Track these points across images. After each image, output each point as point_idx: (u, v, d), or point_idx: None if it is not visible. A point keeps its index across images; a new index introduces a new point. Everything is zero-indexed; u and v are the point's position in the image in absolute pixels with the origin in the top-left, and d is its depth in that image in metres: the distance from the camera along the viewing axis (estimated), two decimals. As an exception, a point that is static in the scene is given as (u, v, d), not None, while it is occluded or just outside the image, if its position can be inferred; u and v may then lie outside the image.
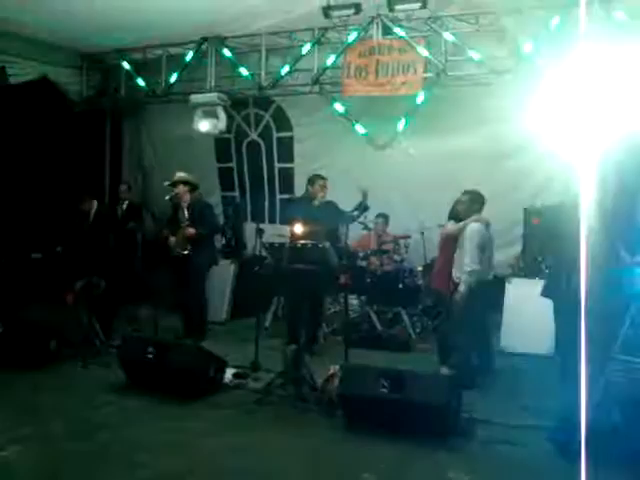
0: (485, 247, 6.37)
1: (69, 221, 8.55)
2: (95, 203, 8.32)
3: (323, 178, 7.71)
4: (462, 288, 6.24)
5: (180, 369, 5.94)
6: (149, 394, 5.96)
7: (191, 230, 7.71)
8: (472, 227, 6.37)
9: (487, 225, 6.48)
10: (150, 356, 6.07)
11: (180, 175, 8.01)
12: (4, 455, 4.59)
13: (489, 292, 6.50)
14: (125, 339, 6.80)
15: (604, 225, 5.60)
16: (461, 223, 6.50)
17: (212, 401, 5.91)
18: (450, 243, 6.58)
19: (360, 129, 8.82)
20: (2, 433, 4.93)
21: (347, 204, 7.64)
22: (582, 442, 4.01)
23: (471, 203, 6.53)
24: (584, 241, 4.50)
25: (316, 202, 7.57)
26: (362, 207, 7.64)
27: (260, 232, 6.81)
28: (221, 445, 4.98)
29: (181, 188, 7.91)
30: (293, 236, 6.88)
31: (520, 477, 4.46)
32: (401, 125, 8.58)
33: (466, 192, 6.63)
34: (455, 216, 6.68)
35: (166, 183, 8.01)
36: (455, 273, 6.36)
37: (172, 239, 7.84)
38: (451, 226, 6.69)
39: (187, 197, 7.95)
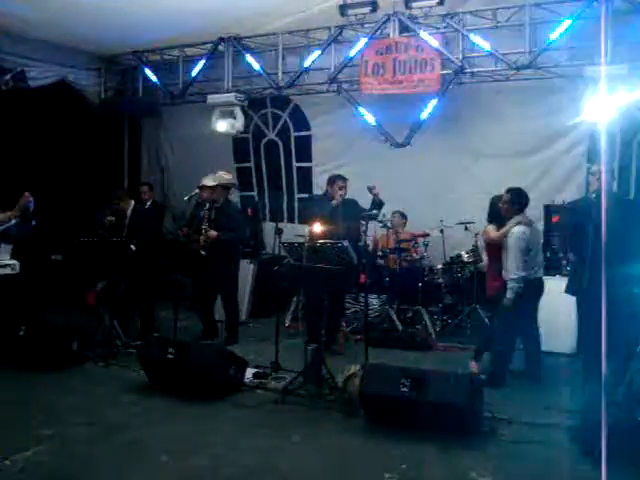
0: (531, 249, 6.26)
1: (91, 220, 8.61)
2: (132, 202, 8.32)
3: (343, 179, 7.63)
4: (509, 294, 6.19)
5: (201, 369, 5.94)
6: (170, 394, 5.97)
7: (213, 233, 7.67)
8: (515, 232, 6.23)
9: (530, 225, 6.34)
10: (171, 356, 6.08)
11: (224, 177, 7.96)
12: (27, 455, 4.61)
13: (536, 293, 6.40)
14: (146, 339, 6.83)
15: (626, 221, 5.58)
16: (504, 229, 6.35)
17: (233, 401, 5.91)
18: (494, 248, 6.49)
19: (378, 127, 8.78)
20: (25, 434, 4.96)
21: (365, 202, 7.61)
22: (604, 441, 3.98)
23: (512, 203, 6.37)
24: (606, 237, 4.44)
25: (335, 201, 7.53)
26: (377, 204, 7.59)
27: (279, 232, 6.82)
28: (243, 445, 4.98)
29: (219, 191, 7.85)
30: (312, 235, 6.87)
31: (543, 477, 4.40)
32: (420, 122, 8.53)
33: (508, 190, 6.45)
34: (496, 216, 6.55)
35: (210, 183, 7.87)
36: (505, 276, 6.29)
37: (201, 238, 7.75)
38: (493, 232, 6.52)
39: (221, 199, 7.89)
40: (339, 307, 7.74)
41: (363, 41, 8.39)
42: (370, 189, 7.53)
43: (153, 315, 8.12)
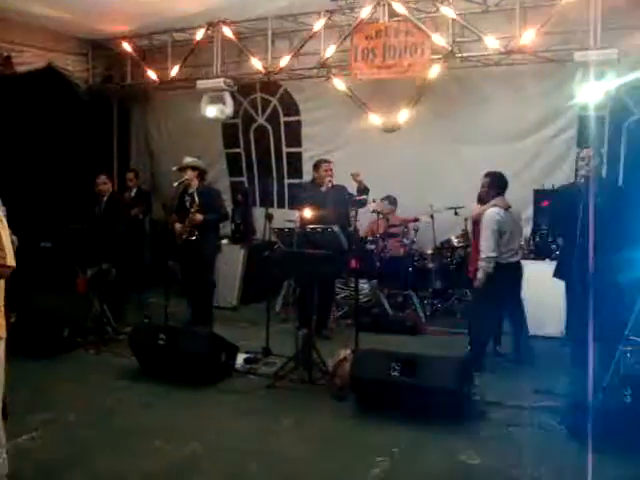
0: (505, 232, 6.27)
1: (80, 207, 8.60)
2: (109, 187, 8.33)
3: (327, 161, 7.70)
4: (479, 274, 6.23)
5: (191, 355, 5.97)
6: (161, 380, 6.00)
7: (199, 216, 7.63)
8: (488, 213, 6.31)
9: (507, 209, 6.36)
10: (161, 342, 6.11)
11: (188, 160, 7.96)
12: (20, 442, 4.63)
13: (511, 276, 6.39)
14: (136, 326, 6.84)
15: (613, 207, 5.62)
16: (481, 208, 6.45)
17: (224, 386, 5.95)
18: (476, 228, 6.56)
19: (368, 112, 8.76)
20: (17, 421, 4.95)
21: (352, 189, 7.62)
22: (591, 424, 4.04)
23: (489, 187, 6.46)
24: (593, 223, 4.48)
25: (323, 187, 7.53)
26: (362, 190, 7.60)
27: (269, 217, 6.82)
28: (234, 430, 5.02)
29: (190, 174, 7.84)
30: (302, 221, 6.87)
31: (532, 459, 4.44)
32: (409, 107, 8.52)
33: (486, 174, 6.54)
34: (481, 199, 6.62)
35: (174, 168, 7.95)
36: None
37: (178, 225, 7.76)
38: (475, 209, 6.64)
39: (196, 183, 7.87)
40: (329, 292, 7.76)
41: (353, 26, 8.36)
42: (354, 176, 7.54)
43: (126, 302, 8.12)
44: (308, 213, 6.69)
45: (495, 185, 6.44)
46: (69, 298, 8.07)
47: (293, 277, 8.16)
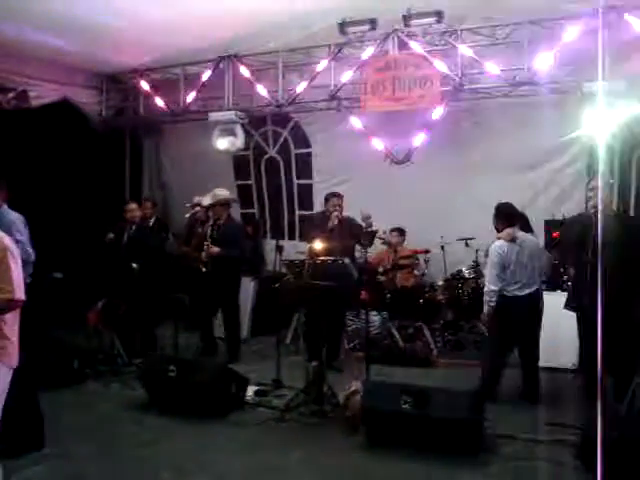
0: (508, 265, 6.23)
1: (93, 238, 8.62)
2: (139, 215, 8.36)
3: (337, 196, 7.69)
4: (484, 308, 6.28)
5: (202, 387, 5.94)
6: (171, 412, 5.96)
7: (215, 249, 7.69)
8: (492, 246, 6.34)
9: (512, 240, 6.30)
10: (172, 374, 6.07)
11: (221, 194, 7.96)
12: (26, 475, 4.60)
13: (519, 310, 6.27)
14: (147, 357, 6.82)
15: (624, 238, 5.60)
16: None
17: (234, 419, 5.90)
18: None
19: (378, 144, 8.81)
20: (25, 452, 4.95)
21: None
22: (603, 458, 3.97)
23: (495, 218, 6.45)
24: (604, 252, 4.45)
25: (330, 223, 7.53)
26: (370, 234, 7.59)
27: (280, 249, 6.83)
28: (244, 463, 4.98)
29: (218, 209, 7.87)
30: (312, 253, 6.88)
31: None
32: (419, 140, 8.56)
33: (496, 206, 6.53)
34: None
35: (207, 202, 7.92)
36: None
37: (197, 254, 7.78)
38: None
39: (223, 215, 7.89)
40: (339, 324, 7.73)
41: (363, 59, 8.44)
42: (364, 219, 7.48)
43: (154, 333, 8.12)
44: (318, 245, 6.69)
45: (500, 217, 6.43)
46: (80, 329, 8.06)
47: (303, 309, 8.15)
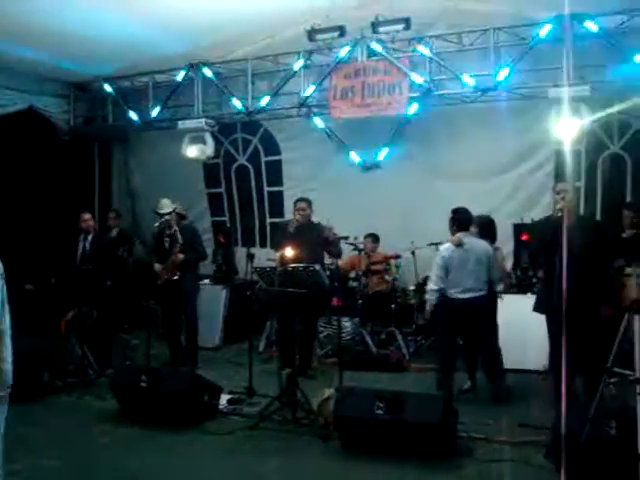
0: (451, 268, 6.32)
1: (63, 248, 8.54)
2: (94, 225, 8.32)
3: (301, 200, 7.69)
4: (426, 306, 6.56)
5: (174, 396, 5.89)
6: (144, 423, 5.91)
7: (180, 256, 7.64)
8: (440, 248, 6.59)
9: (459, 245, 6.37)
10: (143, 384, 6.02)
11: (167, 206, 7.89)
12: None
13: (459, 312, 6.34)
14: (118, 368, 6.76)
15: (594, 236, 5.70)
16: None
17: (207, 428, 5.86)
18: None
19: (348, 150, 8.85)
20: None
21: (338, 225, 7.64)
22: (576, 458, 4.02)
23: (450, 222, 6.57)
24: (570, 255, 4.51)
25: (290, 226, 7.55)
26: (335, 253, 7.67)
27: (251, 257, 6.80)
28: (218, 472, 4.97)
29: (173, 215, 7.85)
30: (283, 260, 6.87)
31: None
32: (389, 145, 8.62)
33: (452, 211, 6.65)
34: (486, 235, 6.74)
35: (162, 211, 7.88)
36: None
37: (157, 266, 7.73)
38: None
39: (178, 223, 7.86)
40: (312, 331, 7.72)
41: (332, 66, 8.48)
42: (327, 232, 7.51)
43: (126, 343, 8.05)
44: (289, 252, 6.69)
45: (454, 222, 6.54)
46: (51, 341, 7.96)
47: (275, 316, 8.14)
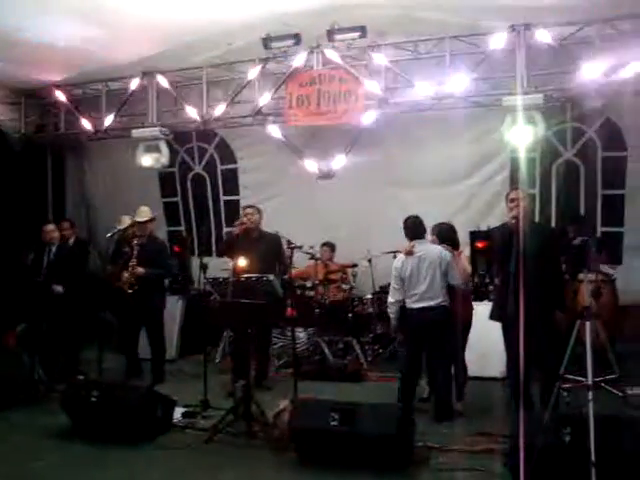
0: (406, 278, 6.26)
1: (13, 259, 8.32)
2: (58, 236, 8.11)
3: (250, 207, 7.67)
4: (391, 321, 6.55)
5: (126, 411, 5.76)
6: (95, 438, 5.75)
7: (140, 269, 7.51)
8: (395, 259, 6.58)
9: (409, 254, 6.31)
10: (94, 399, 5.87)
11: (146, 214, 7.76)
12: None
13: (417, 322, 6.23)
14: (69, 382, 6.58)
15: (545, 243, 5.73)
16: None
17: (161, 442, 5.73)
18: None
19: (304, 159, 8.81)
20: None
21: (294, 234, 7.56)
22: (532, 465, 4.01)
23: (404, 231, 6.48)
24: (524, 262, 4.51)
25: (234, 229, 7.50)
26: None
27: (204, 267, 6.68)
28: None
29: (150, 225, 7.74)
30: (236, 270, 6.78)
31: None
32: (344, 153, 8.60)
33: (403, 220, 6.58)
34: (446, 241, 6.61)
35: (139, 219, 7.68)
36: None
37: (126, 274, 7.56)
38: None
39: (145, 234, 7.72)
40: (266, 342, 7.64)
41: (287, 74, 8.44)
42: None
43: (78, 356, 7.86)
44: (242, 262, 6.61)
45: (405, 231, 6.47)
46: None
47: (229, 327, 8.04)
